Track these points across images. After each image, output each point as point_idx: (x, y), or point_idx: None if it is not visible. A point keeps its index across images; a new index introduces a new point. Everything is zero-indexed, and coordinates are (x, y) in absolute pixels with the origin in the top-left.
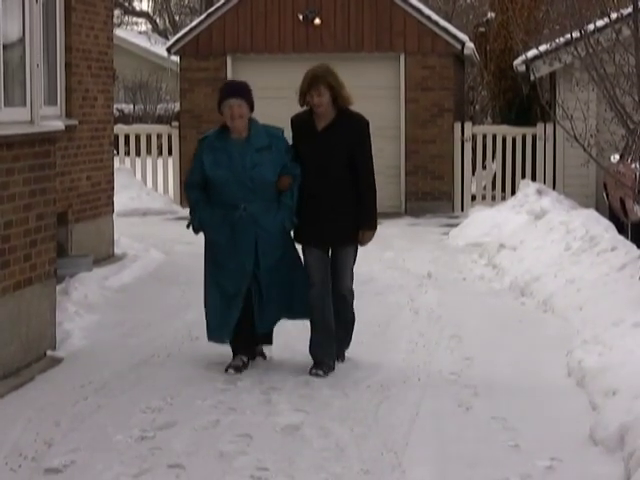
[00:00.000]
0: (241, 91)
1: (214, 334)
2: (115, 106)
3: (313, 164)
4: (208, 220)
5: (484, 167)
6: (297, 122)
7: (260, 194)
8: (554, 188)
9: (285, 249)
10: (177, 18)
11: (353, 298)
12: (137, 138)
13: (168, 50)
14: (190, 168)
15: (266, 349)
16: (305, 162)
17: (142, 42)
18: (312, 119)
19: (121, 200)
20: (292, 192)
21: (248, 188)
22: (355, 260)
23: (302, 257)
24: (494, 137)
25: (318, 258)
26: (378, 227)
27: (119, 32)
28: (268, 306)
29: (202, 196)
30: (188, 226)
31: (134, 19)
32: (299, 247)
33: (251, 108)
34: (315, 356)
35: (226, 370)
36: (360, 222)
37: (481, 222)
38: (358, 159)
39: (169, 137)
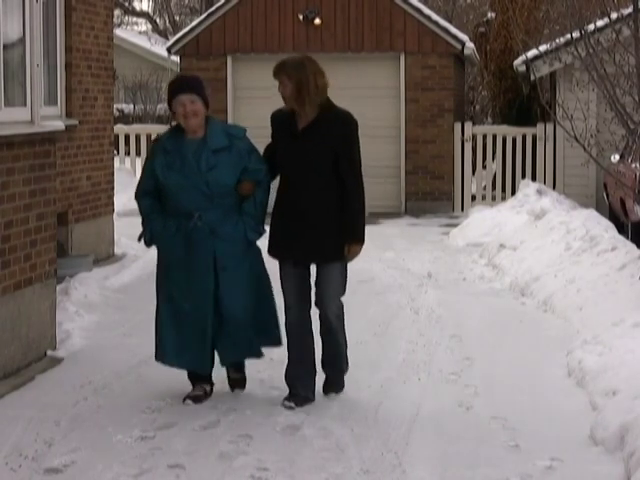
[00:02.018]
0: (193, 85)
1: (170, 359)
2: (115, 106)
3: (292, 167)
4: (160, 232)
5: (484, 167)
6: (277, 119)
7: (217, 201)
8: (554, 188)
9: (250, 264)
10: (177, 18)
11: (343, 326)
12: (137, 138)
13: (168, 50)
14: (141, 175)
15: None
16: (283, 165)
17: (142, 42)
18: (293, 117)
19: (121, 200)
20: (255, 199)
21: (204, 194)
22: (346, 280)
23: (279, 274)
24: (494, 137)
25: (296, 276)
26: (378, 227)
27: (119, 32)
28: (231, 332)
29: (155, 205)
30: (140, 239)
31: (134, 19)
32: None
33: (206, 105)
34: (291, 387)
35: (184, 400)
36: (345, 234)
37: (481, 222)
38: (343, 162)
39: None
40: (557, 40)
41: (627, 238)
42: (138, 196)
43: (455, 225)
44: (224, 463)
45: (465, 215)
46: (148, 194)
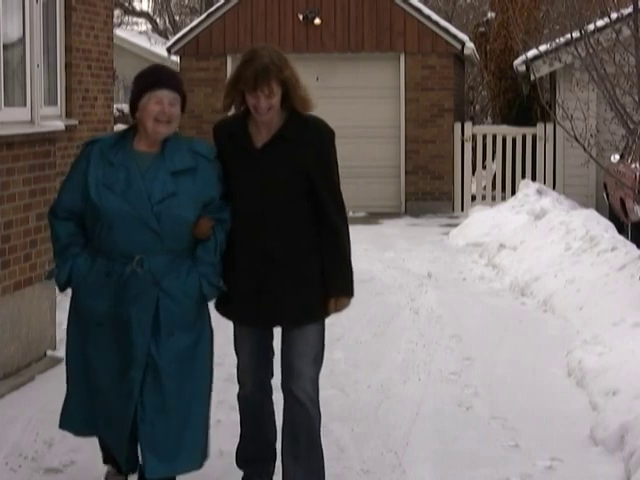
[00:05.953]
0: (177, 83)
1: (72, 424)
2: (115, 106)
3: (249, 198)
4: (83, 273)
5: (484, 167)
6: (223, 133)
7: (168, 242)
8: (554, 188)
9: (200, 333)
10: (177, 18)
11: (319, 417)
12: None
13: (168, 50)
14: (61, 187)
15: None
16: (238, 195)
17: (142, 42)
18: (247, 130)
19: None
20: (215, 242)
21: (151, 231)
22: (323, 347)
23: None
24: (494, 137)
25: (253, 342)
26: (378, 227)
27: (119, 32)
28: (165, 418)
29: (79, 235)
30: (50, 277)
31: (134, 19)
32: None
33: (182, 112)
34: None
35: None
36: (330, 284)
37: (481, 222)
38: (322, 190)
39: None
40: (557, 40)
41: (627, 238)
42: (54, 215)
43: (455, 225)
44: (224, 463)
45: (465, 215)
46: (71, 217)
